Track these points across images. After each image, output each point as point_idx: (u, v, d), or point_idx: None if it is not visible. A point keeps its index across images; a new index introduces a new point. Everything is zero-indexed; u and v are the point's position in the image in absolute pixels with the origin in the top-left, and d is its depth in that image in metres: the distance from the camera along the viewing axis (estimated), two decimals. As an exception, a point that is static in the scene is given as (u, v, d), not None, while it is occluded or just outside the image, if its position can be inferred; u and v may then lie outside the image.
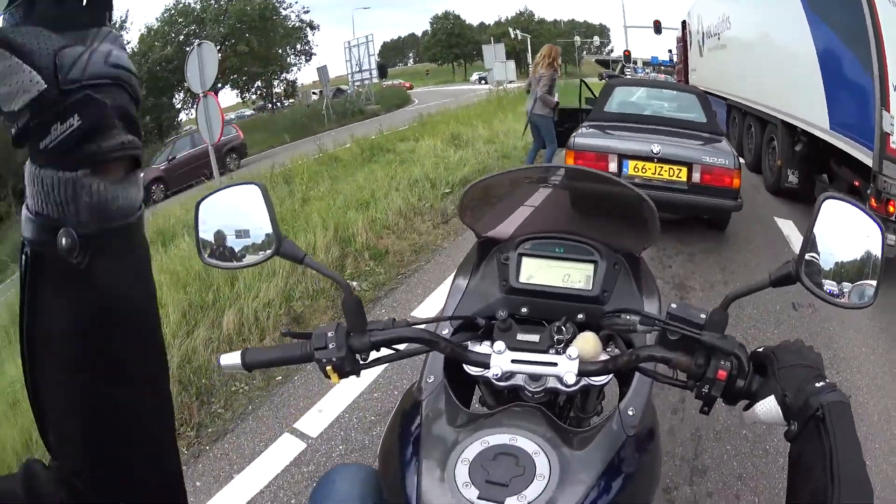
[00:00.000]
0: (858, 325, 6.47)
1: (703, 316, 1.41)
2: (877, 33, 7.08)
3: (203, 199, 1.57)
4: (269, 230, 1.49)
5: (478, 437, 1.40)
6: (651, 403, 1.75)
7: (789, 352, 1.40)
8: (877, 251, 1.33)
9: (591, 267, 1.90)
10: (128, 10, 49.69)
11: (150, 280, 1.05)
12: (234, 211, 1.55)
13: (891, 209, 7.14)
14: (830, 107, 8.86)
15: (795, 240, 8.74)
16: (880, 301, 4.13)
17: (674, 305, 1.44)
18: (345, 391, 4.78)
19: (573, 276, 1.90)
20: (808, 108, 9.68)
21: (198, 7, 49.72)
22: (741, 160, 9.59)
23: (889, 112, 6.96)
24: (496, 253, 1.98)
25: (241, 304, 6.13)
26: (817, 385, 1.27)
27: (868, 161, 7.40)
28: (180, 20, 49.26)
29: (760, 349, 1.45)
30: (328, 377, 1.50)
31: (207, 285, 6.46)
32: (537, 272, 1.92)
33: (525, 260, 1.93)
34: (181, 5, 49.72)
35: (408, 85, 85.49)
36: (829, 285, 1.33)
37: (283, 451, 4.32)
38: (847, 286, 1.33)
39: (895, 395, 5.31)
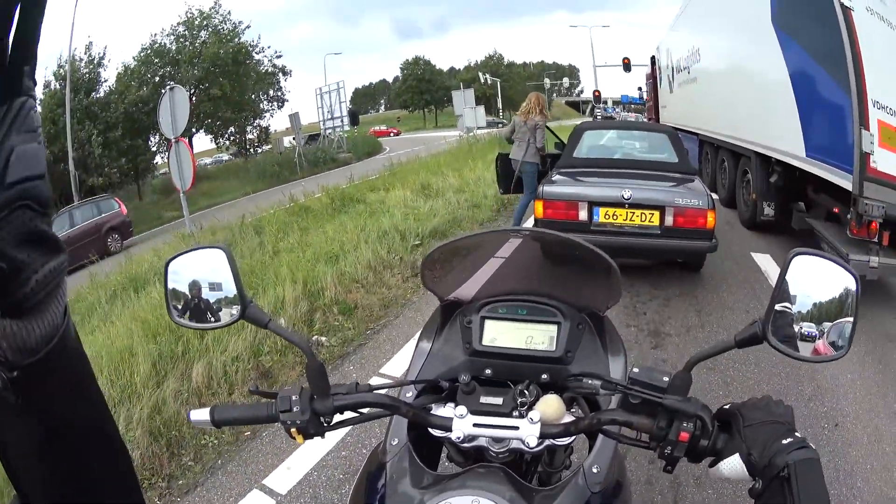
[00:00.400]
0: None
1: (665, 379, 1.42)
2: (854, 49, 7.03)
3: (172, 259, 1.64)
4: (235, 292, 1.57)
5: (441, 498, 1.40)
6: (618, 459, 1.76)
7: (756, 409, 1.39)
8: (851, 295, 1.33)
9: (554, 328, 1.89)
10: (106, 47, 49.81)
11: (92, 385, 1.05)
12: (202, 272, 1.61)
13: (872, 229, 7.10)
14: (806, 133, 8.82)
15: (773, 273, 8.62)
16: (865, 326, 4.23)
17: (636, 370, 1.46)
18: (313, 449, 4.73)
19: (536, 337, 1.89)
20: (783, 137, 9.63)
21: (173, 48, 50.44)
22: (715, 197, 9.56)
23: (869, 131, 6.90)
24: (459, 316, 1.97)
25: (210, 358, 6.02)
26: (784, 442, 1.26)
27: (847, 185, 7.30)
28: (156, 60, 49.68)
29: (727, 406, 1.45)
30: (293, 437, 1.53)
31: (177, 336, 6.36)
32: (500, 335, 1.91)
33: (488, 323, 1.92)
34: (157, 46, 50.17)
35: (396, 131, 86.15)
36: (808, 327, 1.34)
37: (252, 509, 4.24)
38: (826, 325, 1.33)
39: (884, 416, 5.39)
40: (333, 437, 4.79)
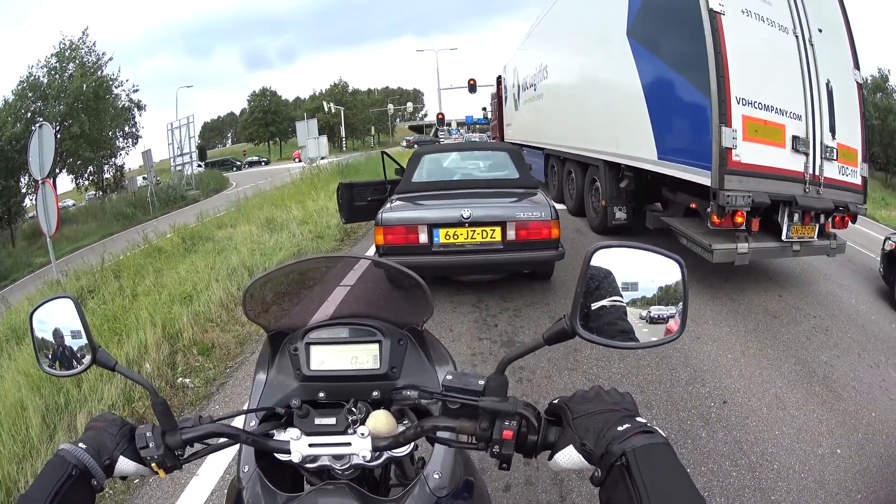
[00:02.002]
0: (716, 337, 6.79)
1: (480, 382, 1.47)
2: (718, 53, 7.33)
3: (35, 310, 1.71)
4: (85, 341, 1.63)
5: None
6: (464, 462, 1.85)
7: (585, 400, 1.42)
8: (678, 279, 1.37)
9: (376, 347, 1.95)
10: None
11: None
12: (63, 320, 1.67)
13: (738, 220, 7.41)
14: (658, 137, 9.14)
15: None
16: (742, 308, 4.51)
17: (449, 377, 1.51)
18: (198, 487, 4.70)
19: (360, 357, 1.95)
20: (633, 144, 9.98)
21: (45, 81, 47.60)
22: (561, 207, 9.75)
23: (731, 127, 7.22)
24: (286, 344, 2.01)
25: (90, 407, 5.85)
26: (620, 429, 1.27)
27: (705, 181, 7.61)
28: (30, 94, 46.73)
29: (556, 400, 1.48)
30: (156, 472, 1.55)
31: (57, 388, 6.14)
32: (326, 358, 1.96)
33: (313, 348, 1.97)
34: (32, 79, 46.90)
35: (297, 155, 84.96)
36: (658, 310, 1.36)
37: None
38: (673, 308, 1.36)
39: (782, 385, 5.67)
40: (215, 473, 4.79)
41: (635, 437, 1.22)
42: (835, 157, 7.73)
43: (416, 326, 1.98)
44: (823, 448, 4.62)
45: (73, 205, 54.26)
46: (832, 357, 6.22)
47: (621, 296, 1.34)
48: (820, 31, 7.89)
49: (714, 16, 7.36)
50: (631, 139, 10.03)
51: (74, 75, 47.53)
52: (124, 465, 1.52)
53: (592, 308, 1.34)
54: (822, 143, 7.64)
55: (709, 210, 7.63)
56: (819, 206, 7.50)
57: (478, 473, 1.93)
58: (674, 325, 1.36)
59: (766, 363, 6.09)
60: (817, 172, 7.58)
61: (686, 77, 8.20)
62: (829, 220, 7.86)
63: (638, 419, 1.29)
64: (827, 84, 7.75)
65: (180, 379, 6.69)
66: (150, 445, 1.52)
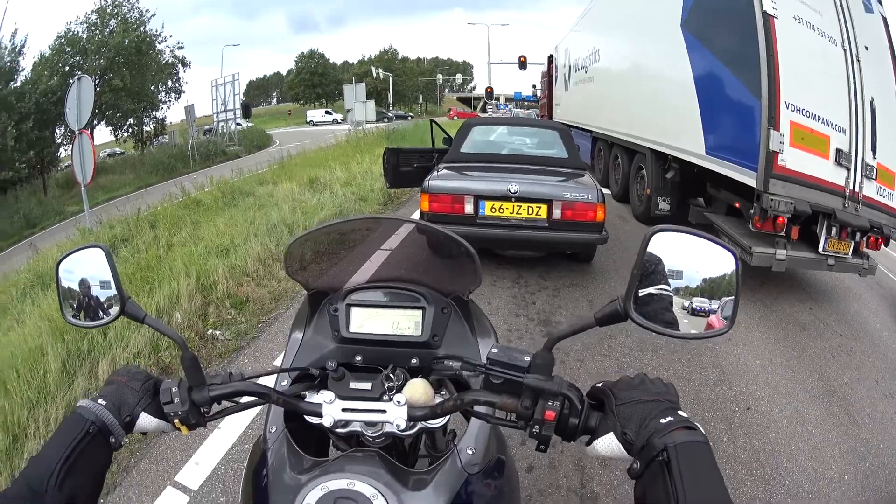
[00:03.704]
0: (747, 340, 6.74)
1: (526, 359, 1.42)
2: (770, 55, 7.24)
3: (62, 259, 1.67)
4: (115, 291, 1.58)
5: (318, 482, 1.41)
6: (497, 439, 1.80)
7: (629, 387, 1.37)
8: (732, 272, 1.32)
9: (419, 313, 1.94)
10: (27, 35, 47.24)
11: None
12: (91, 270, 1.62)
13: (779, 224, 7.30)
14: (707, 132, 9.04)
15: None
16: (774, 315, 4.30)
17: (495, 350, 1.46)
18: (217, 442, 4.71)
19: (402, 322, 1.93)
20: (682, 136, 9.88)
21: (84, 37, 47.90)
22: (606, 191, 9.65)
23: (779, 131, 7.12)
24: (326, 305, 2.00)
25: (114, 354, 5.87)
26: (662, 421, 1.24)
27: (751, 182, 7.52)
28: (68, 49, 47.01)
29: (599, 384, 1.44)
30: (177, 429, 1.52)
31: (83, 334, 6.15)
32: (367, 321, 1.95)
33: (354, 310, 1.96)
34: (70, 34, 47.16)
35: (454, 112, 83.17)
36: (700, 302, 1.32)
37: (169, 506, 4.24)
38: (717, 302, 1.32)
39: (804, 399, 5.61)
40: (235, 430, 4.79)
41: (677, 432, 1.20)
42: (874, 177, 7.60)
43: (461, 296, 1.97)
44: (833, 471, 4.59)
45: (122, 153, 54.52)
46: (853, 379, 6.15)
47: (674, 285, 1.31)
48: (866, 48, 7.75)
49: (767, 18, 7.27)
50: (680, 131, 9.96)
51: (116, 31, 47.89)
52: (145, 421, 1.49)
53: (645, 292, 1.31)
54: (863, 160, 7.52)
55: (752, 212, 7.55)
56: (856, 224, 7.37)
57: (509, 452, 1.88)
58: (715, 319, 1.32)
59: (791, 375, 6.05)
60: (857, 189, 7.46)
61: (737, 75, 8.10)
62: (864, 239, 7.73)
63: (680, 413, 1.26)
64: (871, 102, 7.61)
65: (210, 331, 6.74)
66: (175, 401, 1.49)
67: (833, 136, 7.39)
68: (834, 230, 7.48)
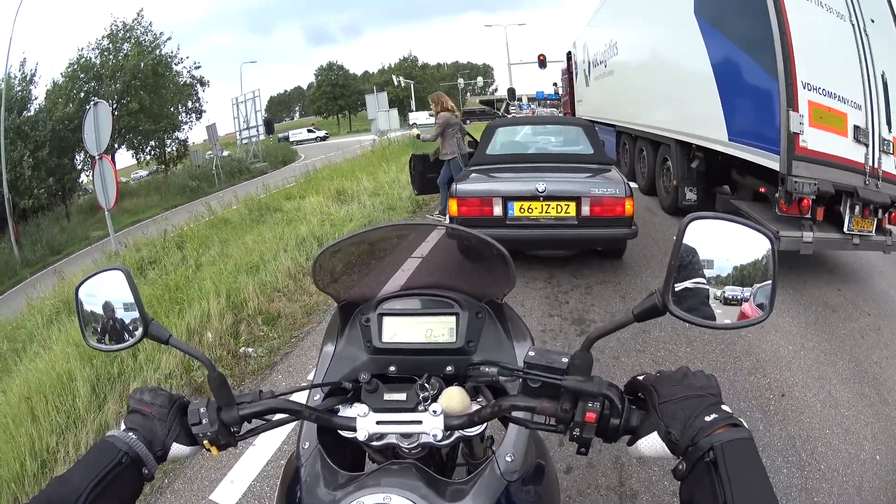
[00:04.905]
0: (779, 326, 6.65)
1: (564, 360, 1.39)
2: (783, 34, 7.20)
3: (81, 284, 1.66)
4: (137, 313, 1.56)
5: (354, 497, 1.39)
6: (536, 444, 1.77)
7: (671, 383, 1.33)
8: (767, 256, 1.30)
9: (452, 319, 1.90)
10: (37, 64, 47.18)
11: None
12: (114, 293, 1.61)
13: (804, 206, 7.32)
14: (728, 119, 8.99)
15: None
16: (804, 299, 4.26)
17: (531, 353, 1.42)
18: (252, 460, 4.71)
19: (436, 330, 1.89)
20: (704, 124, 9.83)
21: (97, 62, 48.74)
22: (633, 185, 9.62)
23: (798, 112, 7.09)
24: (357, 315, 1.97)
25: (144, 376, 5.93)
26: (707, 419, 1.20)
27: (774, 165, 7.50)
28: (82, 76, 47.72)
29: (640, 377, 1.41)
30: (208, 450, 1.50)
31: (112, 358, 6.21)
32: (399, 330, 1.91)
33: (386, 319, 1.93)
34: (83, 60, 48.13)
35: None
36: (732, 291, 1.29)
37: (206, 524, 4.24)
38: (749, 288, 1.29)
39: (836, 382, 5.55)
40: (270, 447, 4.78)
41: (723, 430, 1.17)
42: (892, 151, 7.52)
43: (495, 299, 1.94)
44: (866, 452, 4.54)
45: (148, 175, 54.92)
46: (882, 358, 6.08)
47: (708, 274, 1.29)
48: (872, 21, 7.67)
49: None
50: (702, 119, 9.91)
51: (130, 54, 48.41)
52: (177, 451, 1.48)
53: (681, 284, 1.29)
54: (879, 135, 7.45)
55: (777, 195, 7.54)
56: (878, 200, 7.31)
57: (549, 456, 1.87)
58: (748, 307, 1.30)
59: (823, 358, 5.99)
60: (876, 165, 7.39)
61: (753, 57, 8.08)
62: (886, 215, 7.67)
63: (724, 407, 1.24)
64: (882, 75, 7.53)
65: (243, 348, 6.77)
66: (204, 422, 1.48)
67: (850, 113, 7.33)
68: (857, 208, 7.42)
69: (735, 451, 1.12)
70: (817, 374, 5.71)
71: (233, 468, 4.64)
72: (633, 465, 4.28)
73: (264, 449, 4.75)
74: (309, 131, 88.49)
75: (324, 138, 77.13)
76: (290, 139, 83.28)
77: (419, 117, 76.73)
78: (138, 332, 1.56)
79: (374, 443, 1.59)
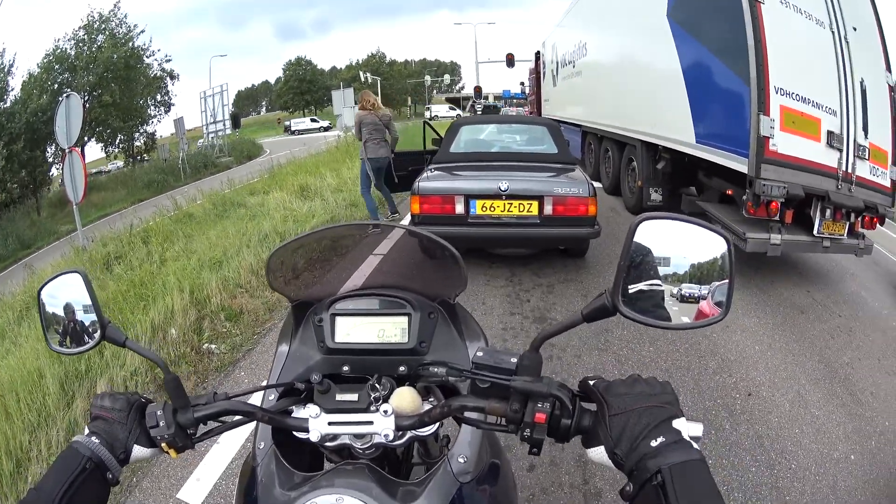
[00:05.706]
0: (745, 327, 6.77)
1: (513, 360, 1.39)
2: (758, 41, 7.29)
3: (43, 286, 1.68)
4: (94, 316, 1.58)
5: (307, 498, 1.40)
6: (491, 444, 1.79)
7: (620, 394, 1.29)
8: (724, 256, 1.28)
9: (405, 319, 1.91)
10: (15, 54, 47.43)
11: None
12: (74, 295, 1.62)
13: (772, 208, 7.38)
14: (696, 121, 9.09)
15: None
16: (772, 300, 4.31)
17: (480, 353, 1.43)
18: (216, 457, 4.71)
19: (388, 330, 1.90)
20: (671, 126, 9.92)
21: (73, 54, 48.61)
22: (598, 185, 9.70)
23: (769, 116, 7.18)
24: (311, 315, 1.98)
25: (111, 374, 5.87)
26: (653, 444, 1.15)
27: (742, 168, 7.57)
28: (56, 67, 47.64)
29: (591, 381, 1.38)
30: (166, 452, 1.49)
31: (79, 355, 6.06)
32: (353, 330, 1.92)
33: (339, 319, 1.93)
34: (59, 51, 47.88)
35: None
36: (689, 288, 1.27)
37: (173, 523, 4.24)
38: (706, 288, 1.27)
39: (805, 382, 5.63)
40: (234, 445, 4.78)
41: (671, 451, 1.13)
42: (867, 157, 7.66)
43: (447, 299, 1.94)
44: (839, 452, 4.60)
45: (120, 167, 54.55)
46: (853, 359, 6.17)
47: (663, 272, 1.28)
48: (854, 29, 7.82)
49: (754, 3, 7.33)
50: (669, 121, 9.98)
51: (105, 46, 48.16)
52: (138, 452, 1.48)
53: (634, 285, 1.28)
54: (855, 140, 7.56)
55: (744, 198, 7.60)
56: (850, 204, 7.43)
57: (504, 455, 1.88)
58: (706, 305, 1.28)
59: (791, 359, 6.06)
60: (850, 170, 7.51)
61: (725, 62, 8.14)
62: (859, 219, 7.80)
63: (675, 424, 1.19)
64: (861, 82, 7.68)
65: (206, 345, 6.72)
66: (161, 424, 1.47)
67: (824, 119, 7.44)
68: (828, 212, 7.53)
69: (685, 473, 1.08)
70: (785, 373, 5.76)
71: (198, 466, 4.62)
72: (596, 464, 4.28)
73: (228, 447, 4.75)
74: (312, 121, 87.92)
75: (327, 129, 76.78)
76: (293, 129, 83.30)
77: (302, 123, 77.35)
78: (97, 335, 1.57)
79: (328, 443, 1.61)
